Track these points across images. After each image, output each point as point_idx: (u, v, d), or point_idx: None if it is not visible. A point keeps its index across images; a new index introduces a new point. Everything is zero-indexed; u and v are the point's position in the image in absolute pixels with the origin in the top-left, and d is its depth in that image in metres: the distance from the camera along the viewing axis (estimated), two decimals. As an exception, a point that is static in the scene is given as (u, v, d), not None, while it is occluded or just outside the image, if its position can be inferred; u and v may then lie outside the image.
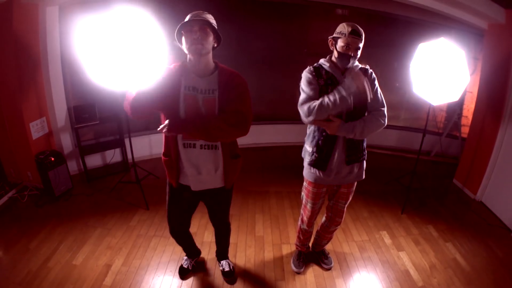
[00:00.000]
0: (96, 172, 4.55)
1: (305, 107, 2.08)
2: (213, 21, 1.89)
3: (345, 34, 2.02)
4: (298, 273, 2.85)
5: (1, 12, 3.36)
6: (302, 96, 2.15)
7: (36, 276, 2.71)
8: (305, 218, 2.64)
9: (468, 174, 4.28)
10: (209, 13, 1.91)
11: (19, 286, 2.61)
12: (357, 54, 2.07)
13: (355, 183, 2.47)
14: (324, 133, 2.19)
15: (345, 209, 2.56)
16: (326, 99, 1.99)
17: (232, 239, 3.08)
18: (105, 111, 4.47)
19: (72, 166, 4.44)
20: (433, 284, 2.77)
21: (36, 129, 3.86)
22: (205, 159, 2.04)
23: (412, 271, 2.90)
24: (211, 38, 1.86)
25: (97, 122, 4.31)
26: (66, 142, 4.36)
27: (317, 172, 2.31)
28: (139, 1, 3.75)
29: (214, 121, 1.84)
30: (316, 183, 2.38)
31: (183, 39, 1.84)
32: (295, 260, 2.92)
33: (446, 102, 3.44)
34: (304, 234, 2.79)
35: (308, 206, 2.54)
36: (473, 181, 4.17)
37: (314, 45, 5.35)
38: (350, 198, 2.51)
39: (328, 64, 2.16)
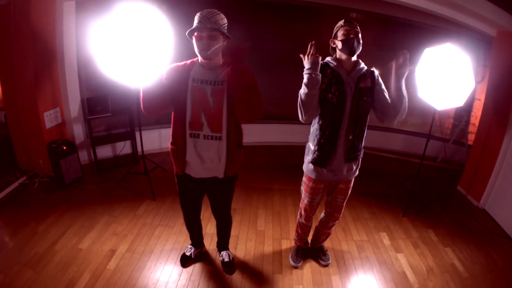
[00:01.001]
0: (106, 162, 4.67)
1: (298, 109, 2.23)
2: (223, 21, 1.95)
3: (340, 25, 2.18)
4: (296, 267, 2.91)
5: (19, 5, 3.49)
6: None
7: (43, 258, 2.82)
8: (303, 212, 2.71)
9: (472, 181, 4.28)
10: (218, 11, 1.96)
11: (25, 266, 2.72)
12: (359, 38, 2.15)
13: (353, 179, 2.52)
14: (326, 132, 2.26)
15: (344, 204, 2.61)
16: (300, 91, 2.16)
17: (233, 232, 3.15)
18: (117, 104, 4.59)
19: (83, 156, 4.57)
20: (428, 287, 2.78)
21: (50, 118, 3.99)
22: (208, 149, 2.14)
23: (409, 273, 2.92)
24: (220, 40, 1.95)
25: (109, 114, 4.44)
26: (78, 132, 4.49)
27: (317, 168, 2.38)
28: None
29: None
30: (315, 179, 2.44)
31: (194, 41, 1.94)
32: (293, 255, 2.98)
33: (450, 107, 3.47)
34: (302, 228, 2.85)
35: (306, 200, 2.60)
36: (477, 189, 4.16)
37: (325, 48, 5.38)
38: (349, 194, 2.57)
39: (335, 63, 2.23)
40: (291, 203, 3.92)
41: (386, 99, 2.21)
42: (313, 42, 2.12)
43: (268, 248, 3.14)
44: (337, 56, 2.26)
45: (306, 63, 2.13)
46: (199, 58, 2.04)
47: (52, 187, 3.96)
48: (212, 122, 2.08)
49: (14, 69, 3.75)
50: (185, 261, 2.84)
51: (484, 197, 4.02)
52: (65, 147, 3.94)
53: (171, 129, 2.19)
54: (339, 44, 2.19)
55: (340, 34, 2.17)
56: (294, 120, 5.45)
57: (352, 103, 2.20)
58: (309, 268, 2.92)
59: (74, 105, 4.34)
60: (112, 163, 4.69)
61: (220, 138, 2.11)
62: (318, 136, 2.31)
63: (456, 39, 4.38)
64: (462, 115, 5.13)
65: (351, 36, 2.12)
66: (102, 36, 2.98)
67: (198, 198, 2.52)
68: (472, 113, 5.10)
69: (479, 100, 4.85)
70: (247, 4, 5.04)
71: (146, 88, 1.96)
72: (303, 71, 2.17)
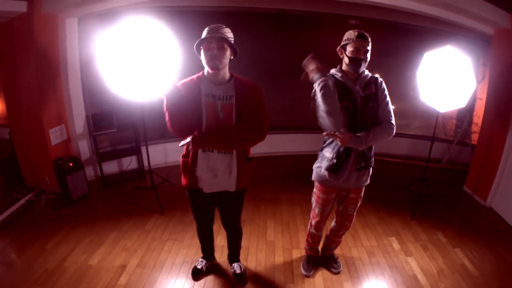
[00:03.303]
0: (112, 178, 4.69)
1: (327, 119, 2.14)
2: (230, 35, 2.01)
3: (352, 39, 2.12)
4: (307, 276, 2.91)
5: (22, 22, 3.54)
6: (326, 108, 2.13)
7: (52, 275, 2.83)
8: (313, 222, 2.71)
9: (478, 180, 4.29)
10: (225, 25, 2.03)
11: (35, 284, 2.73)
12: (366, 57, 2.15)
13: (363, 188, 2.53)
14: None
15: (355, 214, 2.61)
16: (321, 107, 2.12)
17: (244, 243, 3.15)
18: (122, 119, 4.62)
19: (89, 172, 4.59)
20: (440, 288, 2.79)
21: (55, 135, 4.02)
22: (221, 163, 2.17)
23: (420, 276, 2.92)
24: (228, 53, 2.01)
25: (115, 130, 4.46)
26: (84, 148, 4.52)
27: (327, 175, 2.38)
28: (155, 13, 3.91)
29: (235, 132, 2.01)
30: (325, 186, 2.45)
31: (202, 53, 1.99)
32: (304, 264, 2.98)
33: (453, 109, 3.48)
34: (312, 238, 2.85)
35: (317, 211, 2.61)
36: (483, 188, 4.17)
37: (326, 55, 5.40)
38: (359, 203, 2.57)
39: (340, 74, 2.24)
40: (299, 212, 3.92)
41: (380, 114, 2.26)
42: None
43: (278, 258, 3.14)
44: (343, 68, 2.27)
45: (316, 77, 2.12)
46: (205, 72, 2.09)
47: (59, 203, 3.97)
48: None
49: (18, 86, 3.79)
50: (197, 274, 2.84)
51: (491, 196, 4.03)
52: (71, 164, 3.96)
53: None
54: (345, 59, 2.21)
55: (349, 50, 2.16)
56: (299, 129, 5.45)
57: (360, 111, 2.22)
58: (321, 276, 2.92)
59: (79, 122, 4.37)
60: (118, 178, 4.71)
61: (231, 152, 2.16)
62: (338, 144, 2.28)
63: (455, 40, 4.41)
64: (465, 115, 5.15)
65: (360, 57, 2.12)
66: (106, 52, 3.01)
67: (210, 210, 2.55)
68: (475, 113, 5.12)
69: (481, 99, 4.87)
70: (248, 16, 5.08)
71: (169, 103, 1.97)
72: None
